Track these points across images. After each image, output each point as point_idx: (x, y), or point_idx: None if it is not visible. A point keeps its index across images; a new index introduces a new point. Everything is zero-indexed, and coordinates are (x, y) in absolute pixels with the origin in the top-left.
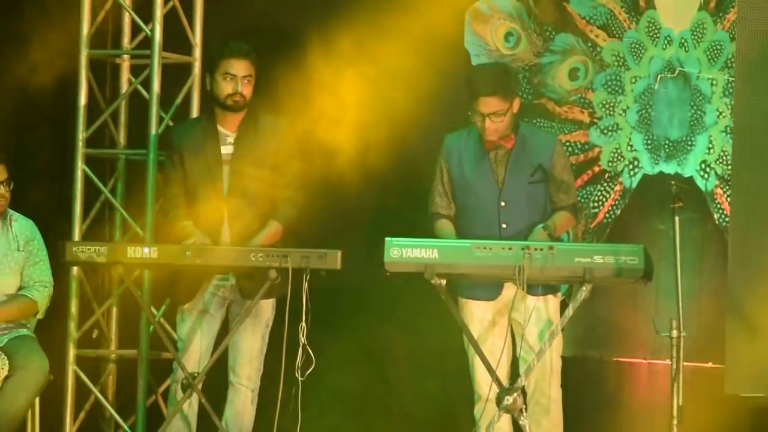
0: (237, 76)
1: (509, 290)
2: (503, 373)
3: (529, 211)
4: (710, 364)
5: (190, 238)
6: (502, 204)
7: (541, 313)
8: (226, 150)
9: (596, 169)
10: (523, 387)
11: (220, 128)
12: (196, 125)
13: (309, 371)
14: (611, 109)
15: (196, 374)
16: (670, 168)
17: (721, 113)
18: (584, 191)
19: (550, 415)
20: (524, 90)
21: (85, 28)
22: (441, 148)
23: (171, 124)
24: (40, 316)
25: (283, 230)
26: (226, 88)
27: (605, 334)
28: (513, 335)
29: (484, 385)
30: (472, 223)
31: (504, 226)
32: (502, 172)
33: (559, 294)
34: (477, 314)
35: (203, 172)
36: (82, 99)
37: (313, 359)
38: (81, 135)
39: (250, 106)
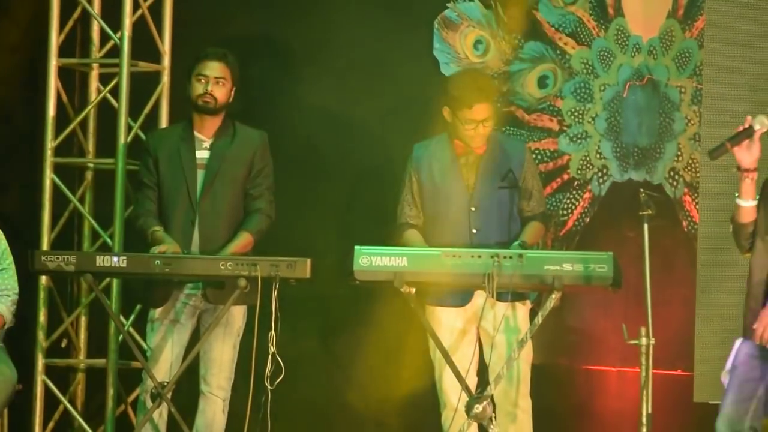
0: (209, 76)
1: (479, 298)
2: (472, 382)
3: (499, 216)
4: (679, 372)
5: (160, 245)
6: (473, 209)
7: (509, 321)
8: (202, 155)
9: (565, 176)
10: (493, 396)
11: (196, 134)
12: (174, 131)
13: (278, 380)
14: (580, 116)
15: (165, 383)
16: (639, 175)
17: (689, 121)
18: (553, 199)
19: (519, 424)
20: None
21: (54, 37)
22: (409, 158)
23: (140, 132)
24: (9, 324)
25: (254, 242)
26: (198, 88)
27: (574, 341)
28: (481, 344)
29: (451, 393)
30: (442, 230)
31: (474, 231)
32: (473, 178)
33: (528, 302)
34: (446, 322)
35: (178, 176)
36: (51, 108)
37: (283, 368)
38: (50, 144)
39: (229, 115)
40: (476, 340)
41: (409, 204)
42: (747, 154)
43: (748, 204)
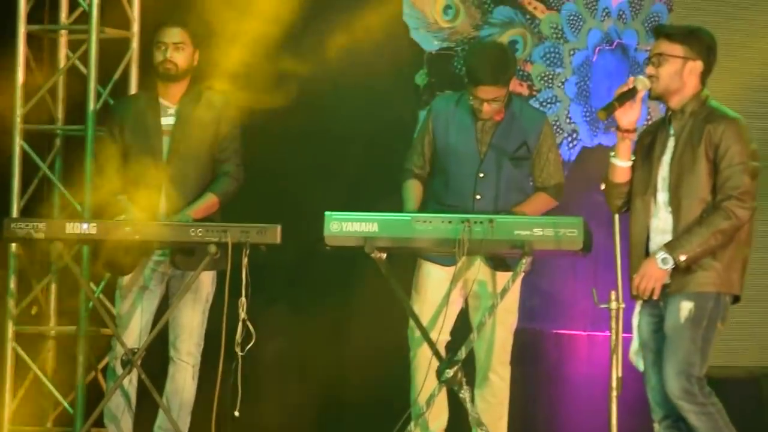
0: (167, 43)
1: (470, 265)
2: (444, 340)
3: (506, 185)
4: None
5: (122, 214)
6: (481, 175)
7: (486, 286)
8: (167, 121)
9: None
10: (475, 363)
11: (161, 100)
12: (139, 98)
13: (249, 346)
14: (550, 81)
15: (135, 350)
16: (608, 140)
17: None
18: None
19: (495, 391)
20: (461, 64)
21: (23, 3)
22: (429, 108)
23: (110, 99)
24: None
25: (219, 203)
26: (158, 56)
27: (545, 306)
28: (467, 307)
29: (423, 358)
30: (446, 190)
31: (478, 197)
32: (486, 145)
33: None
34: (434, 275)
35: (143, 142)
36: (20, 75)
37: (253, 334)
38: (19, 111)
39: (194, 80)
40: (458, 305)
41: (419, 153)
42: (628, 114)
43: (624, 164)
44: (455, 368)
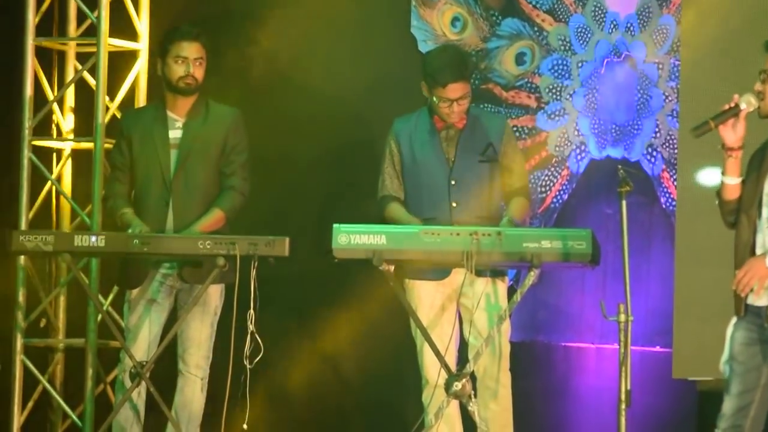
0: (188, 58)
1: (458, 274)
2: (452, 359)
3: (479, 190)
4: (658, 348)
5: (128, 227)
6: (452, 183)
7: (490, 298)
8: (175, 134)
9: (543, 153)
10: (473, 372)
11: (169, 113)
12: (147, 111)
13: (257, 359)
14: (558, 93)
15: (144, 363)
16: (617, 152)
17: (667, 97)
18: (532, 176)
19: (499, 399)
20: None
21: (31, 16)
22: (390, 131)
23: (117, 112)
24: None
25: (226, 218)
26: (178, 70)
27: (553, 318)
28: (461, 320)
29: (432, 370)
30: (422, 203)
31: (454, 204)
32: (453, 151)
33: (507, 278)
34: (426, 298)
35: (151, 156)
36: (28, 87)
37: (262, 347)
38: (27, 123)
39: (201, 93)
40: (456, 317)
41: (391, 177)
42: (732, 133)
43: (733, 182)
44: (464, 380)
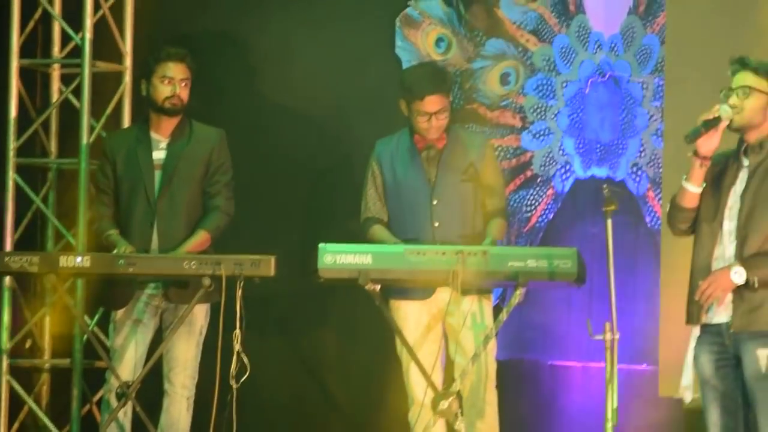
0: (174, 78)
1: (443, 292)
2: (438, 378)
3: (462, 209)
4: (644, 366)
5: (113, 248)
6: (434, 203)
7: (476, 317)
8: (158, 155)
9: (528, 173)
10: (459, 391)
11: (153, 134)
12: (130, 132)
13: (244, 378)
14: (543, 113)
15: (130, 383)
16: (601, 172)
17: (652, 116)
18: (517, 195)
19: (486, 418)
20: (456, 95)
21: (15, 37)
22: (372, 154)
23: (102, 133)
24: None
25: (211, 239)
26: (164, 91)
27: (540, 337)
28: (447, 339)
29: (418, 389)
30: (405, 224)
31: (436, 224)
32: (434, 171)
33: (491, 296)
34: (411, 318)
35: (135, 177)
36: (13, 108)
37: (248, 366)
38: (12, 145)
39: (185, 113)
40: (442, 336)
41: (373, 199)
42: (709, 142)
43: (695, 190)
44: (450, 399)
